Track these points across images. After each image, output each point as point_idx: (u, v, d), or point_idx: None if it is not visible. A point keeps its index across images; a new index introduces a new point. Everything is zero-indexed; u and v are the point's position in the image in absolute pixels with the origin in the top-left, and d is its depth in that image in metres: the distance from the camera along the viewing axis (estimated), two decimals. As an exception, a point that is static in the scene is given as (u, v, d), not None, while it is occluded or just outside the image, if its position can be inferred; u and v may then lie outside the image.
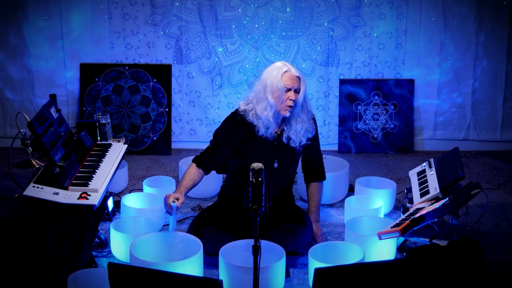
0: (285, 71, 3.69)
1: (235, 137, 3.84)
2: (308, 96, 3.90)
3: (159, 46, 5.62)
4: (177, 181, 4.81)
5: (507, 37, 5.58)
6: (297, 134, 3.82)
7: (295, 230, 3.81)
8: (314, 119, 3.96)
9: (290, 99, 3.70)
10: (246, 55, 5.61)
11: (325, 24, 5.54)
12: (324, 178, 4.12)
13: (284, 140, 3.82)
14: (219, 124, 3.95)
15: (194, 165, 3.92)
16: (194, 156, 3.98)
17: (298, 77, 3.72)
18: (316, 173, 4.08)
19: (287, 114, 3.75)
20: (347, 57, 5.64)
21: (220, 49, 5.57)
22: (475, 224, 4.22)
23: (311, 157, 4.03)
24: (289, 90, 3.70)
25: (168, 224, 3.83)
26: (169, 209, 3.69)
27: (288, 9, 5.52)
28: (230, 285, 3.37)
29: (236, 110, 3.88)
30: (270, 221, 3.64)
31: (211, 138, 3.95)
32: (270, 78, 3.71)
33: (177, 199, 3.69)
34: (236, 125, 3.84)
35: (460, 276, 3.16)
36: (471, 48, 5.61)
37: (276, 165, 3.85)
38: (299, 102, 3.74)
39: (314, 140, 3.97)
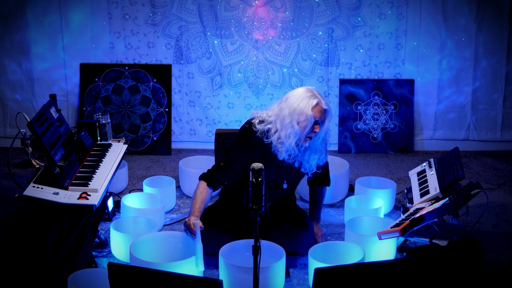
0: (317, 103, 3.59)
1: (250, 157, 3.71)
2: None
3: (159, 46, 5.62)
4: (177, 181, 4.81)
5: (507, 37, 5.58)
6: (310, 163, 3.77)
7: (296, 233, 3.81)
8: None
9: (314, 131, 3.64)
10: (246, 55, 5.61)
11: (325, 23, 5.54)
12: (328, 184, 4.08)
13: (296, 164, 3.76)
14: (231, 139, 3.78)
15: (204, 184, 3.72)
16: (201, 174, 3.78)
17: (326, 110, 3.63)
18: (322, 179, 4.05)
19: (306, 144, 3.67)
20: (347, 57, 5.64)
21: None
22: (475, 224, 4.22)
23: (320, 166, 3.96)
24: (316, 123, 3.62)
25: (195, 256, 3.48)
26: (192, 232, 3.50)
27: (288, 9, 5.52)
28: (230, 285, 3.37)
29: (250, 127, 3.72)
30: (271, 221, 3.63)
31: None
32: (300, 107, 3.57)
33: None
34: (253, 145, 3.70)
35: (460, 276, 3.16)
36: (471, 48, 5.61)
37: (285, 186, 3.83)
38: (321, 134, 3.69)
39: None
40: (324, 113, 3.61)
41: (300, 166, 3.77)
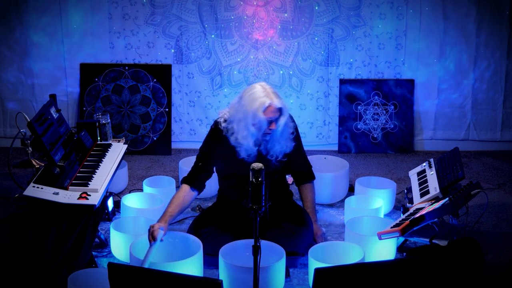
0: (269, 105, 3.61)
1: (220, 152, 3.82)
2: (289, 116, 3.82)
3: (159, 46, 5.62)
4: (177, 181, 4.82)
5: (507, 37, 5.58)
6: (274, 151, 3.80)
7: (296, 232, 3.81)
8: (294, 126, 3.92)
9: (270, 128, 3.68)
10: (246, 55, 5.61)
11: (325, 23, 5.54)
12: (313, 177, 4.07)
13: (263, 151, 3.80)
14: (203, 141, 3.91)
15: (186, 187, 3.81)
16: (182, 178, 3.88)
17: (279, 108, 3.65)
18: (304, 174, 4.04)
19: (267, 138, 3.74)
20: (347, 57, 5.64)
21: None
22: (475, 224, 4.22)
23: (295, 159, 3.97)
24: (270, 122, 3.66)
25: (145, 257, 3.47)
26: (150, 240, 3.53)
27: (288, 9, 5.51)
28: (230, 285, 3.37)
29: (216, 127, 3.83)
30: (270, 220, 3.64)
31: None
32: (253, 109, 3.62)
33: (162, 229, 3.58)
34: (224, 141, 3.79)
35: (460, 276, 3.16)
36: (471, 48, 5.61)
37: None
38: (278, 130, 3.71)
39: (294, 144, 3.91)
40: (277, 111, 3.64)
41: (267, 155, 3.80)
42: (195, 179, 3.83)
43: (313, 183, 4.08)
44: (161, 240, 3.55)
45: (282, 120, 3.68)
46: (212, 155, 3.85)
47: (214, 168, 3.95)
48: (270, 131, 3.69)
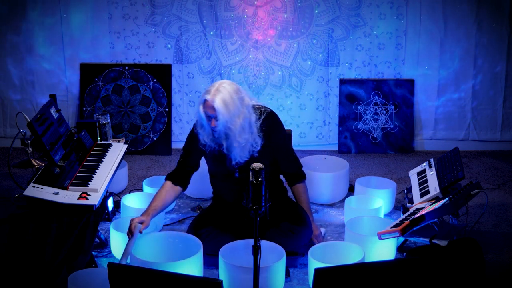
0: (205, 100, 3.63)
1: (197, 148, 3.85)
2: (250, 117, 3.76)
3: (159, 46, 5.62)
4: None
5: (507, 37, 5.58)
6: (234, 151, 3.75)
7: (295, 231, 3.81)
8: (272, 119, 3.85)
9: (212, 125, 3.68)
10: (246, 55, 5.61)
11: (325, 23, 5.54)
12: (304, 177, 4.04)
13: (224, 150, 3.78)
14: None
15: (169, 183, 3.88)
16: (166, 175, 3.95)
17: (214, 107, 3.61)
18: (294, 174, 4.01)
19: (215, 135, 3.73)
20: (347, 57, 5.64)
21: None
22: (475, 224, 4.22)
23: (283, 159, 3.94)
24: (209, 118, 3.66)
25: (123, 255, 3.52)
26: (128, 235, 3.56)
27: (288, 9, 5.51)
28: (230, 285, 3.37)
29: (195, 124, 3.87)
30: (269, 220, 3.63)
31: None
32: (197, 104, 3.73)
33: (141, 223, 3.61)
34: (196, 137, 3.82)
35: (460, 276, 3.16)
36: (471, 48, 5.61)
37: (237, 174, 3.84)
38: (219, 128, 3.67)
39: (276, 143, 3.87)
40: (213, 109, 3.62)
41: (229, 154, 3.78)
42: (176, 175, 3.90)
43: (304, 182, 4.04)
44: (140, 232, 3.58)
45: (222, 118, 3.62)
46: (190, 151, 3.91)
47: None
48: (215, 128, 3.68)
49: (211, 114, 3.64)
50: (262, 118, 3.80)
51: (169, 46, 5.59)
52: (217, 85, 3.67)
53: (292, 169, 3.99)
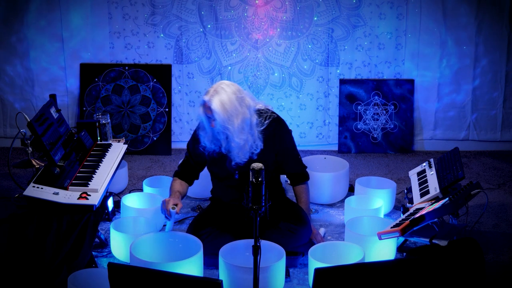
0: (204, 102, 3.67)
1: (199, 151, 3.89)
2: (250, 119, 3.77)
3: (159, 46, 5.62)
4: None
5: (507, 37, 5.58)
6: (233, 151, 3.76)
7: (294, 230, 3.81)
8: (278, 124, 3.86)
9: (212, 127, 3.71)
10: (246, 55, 5.61)
11: (325, 23, 5.54)
12: (307, 178, 4.05)
13: (223, 150, 3.81)
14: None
15: (177, 179, 4.01)
16: (174, 171, 4.07)
17: (211, 109, 3.64)
18: (297, 175, 4.02)
19: (216, 135, 3.76)
20: (347, 57, 5.64)
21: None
22: (475, 224, 4.22)
23: (287, 160, 3.95)
24: (208, 119, 3.70)
25: (165, 225, 3.85)
26: (168, 215, 3.71)
27: (288, 9, 5.51)
28: (230, 285, 3.37)
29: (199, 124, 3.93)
30: (268, 220, 3.63)
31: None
32: (198, 105, 3.79)
33: (176, 205, 3.72)
34: (198, 141, 3.89)
35: (460, 276, 3.16)
36: (471, 48, 5.61)
37: (237, 176, 3.85)
38: (217, 129, 3.69)
39: (282, 148, 3.89)
40: (210, 110, 3.65)
41: (229, 155, 3.80)
42: (182, 172, 4.01)
43: (307, 183, 4.07)
44: (177, 213, 3.72)
45: (218, 119, 3.64)
46: (193, 150, 3.96)
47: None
48: (214, 129, 3.71)
49: (209, 115, 3.67)
50: (267, 122, 3.81)
51: (169, 46, 5.60)
52: (216, 86, 3.70)
53: (296, 170, 4.01)
